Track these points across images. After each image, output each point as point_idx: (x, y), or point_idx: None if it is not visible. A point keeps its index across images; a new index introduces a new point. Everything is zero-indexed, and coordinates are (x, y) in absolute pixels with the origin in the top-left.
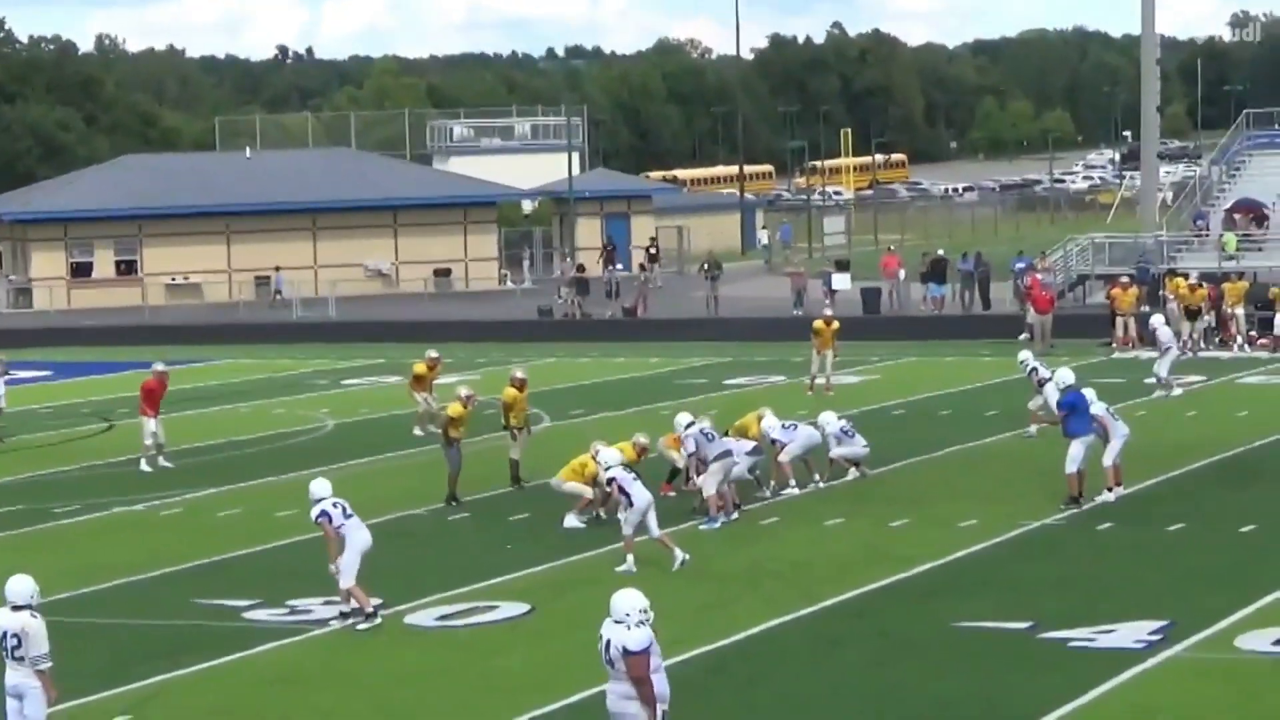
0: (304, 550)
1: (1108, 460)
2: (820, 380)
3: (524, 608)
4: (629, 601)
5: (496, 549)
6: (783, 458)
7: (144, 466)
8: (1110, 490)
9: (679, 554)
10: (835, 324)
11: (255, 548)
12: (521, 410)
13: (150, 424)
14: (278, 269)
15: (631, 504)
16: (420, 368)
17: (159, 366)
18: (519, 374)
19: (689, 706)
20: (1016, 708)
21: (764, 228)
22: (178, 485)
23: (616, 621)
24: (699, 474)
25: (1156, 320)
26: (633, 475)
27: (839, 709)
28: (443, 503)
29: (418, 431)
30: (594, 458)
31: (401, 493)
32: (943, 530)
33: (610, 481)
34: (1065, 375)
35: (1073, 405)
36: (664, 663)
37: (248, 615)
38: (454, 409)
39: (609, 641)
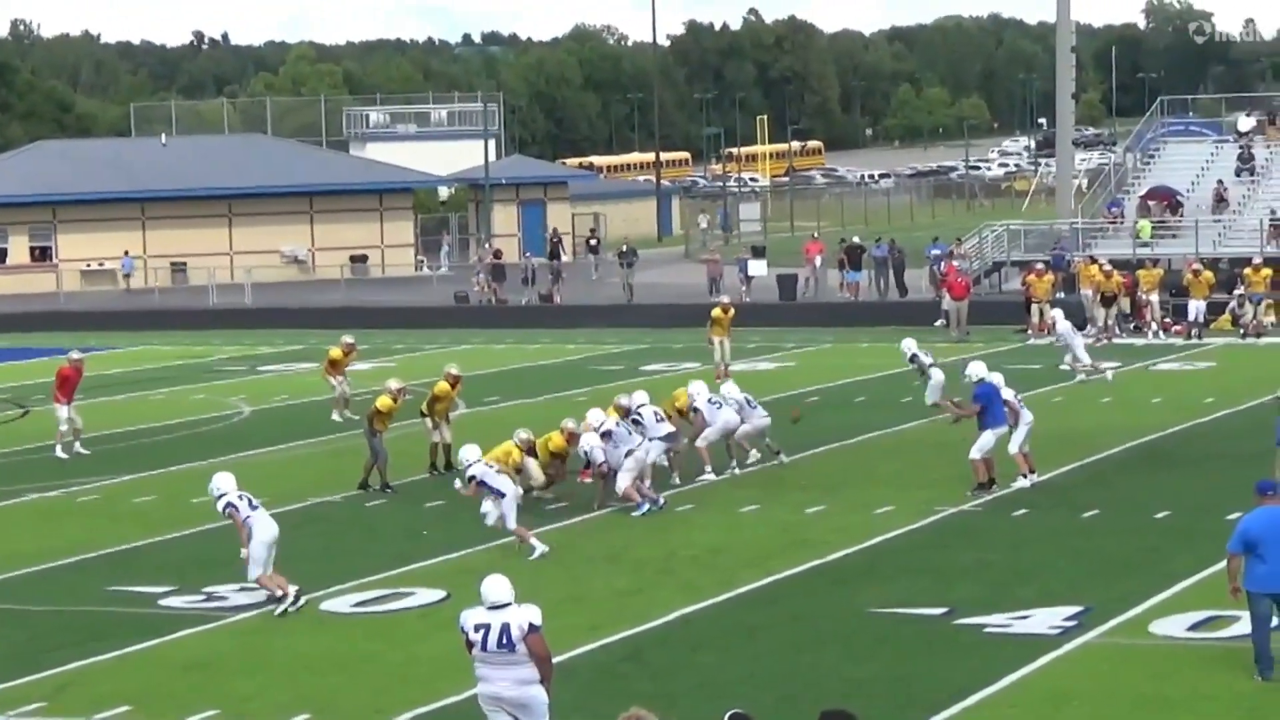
0: (220, 537)
1: (1014, 448)
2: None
3: (440, 594)
4: (503, 584)
5: (413, 535)
6: (700, 442)
7: (59, 453)
8: (1025, 477)
9: (538, 547)
10: (731, 311)
11: (171, 534)
12: (446, 406)
13: (64, 411)
14: (126, 253)
15: (502, 495)
16: (336, 353)
17: (75, 354)
18: (454, 370)
19: (607, 693)
20: (932, 693)
21: (703, 213)
22: (94, 472)
23: (496, 606)
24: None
25: (1055, 313)
26: (495, 468)
27: (756, 694)
28: (356, 488)
29: (336, 417)
30: (564, 434)
31: (318, 479)
32: (859, 516)
33: (471, 480)
34: (977, 368)
35: (987, 397)
36: (579, 650)
37: (163, 602)
38: (383, 402)
39: (505, 626)
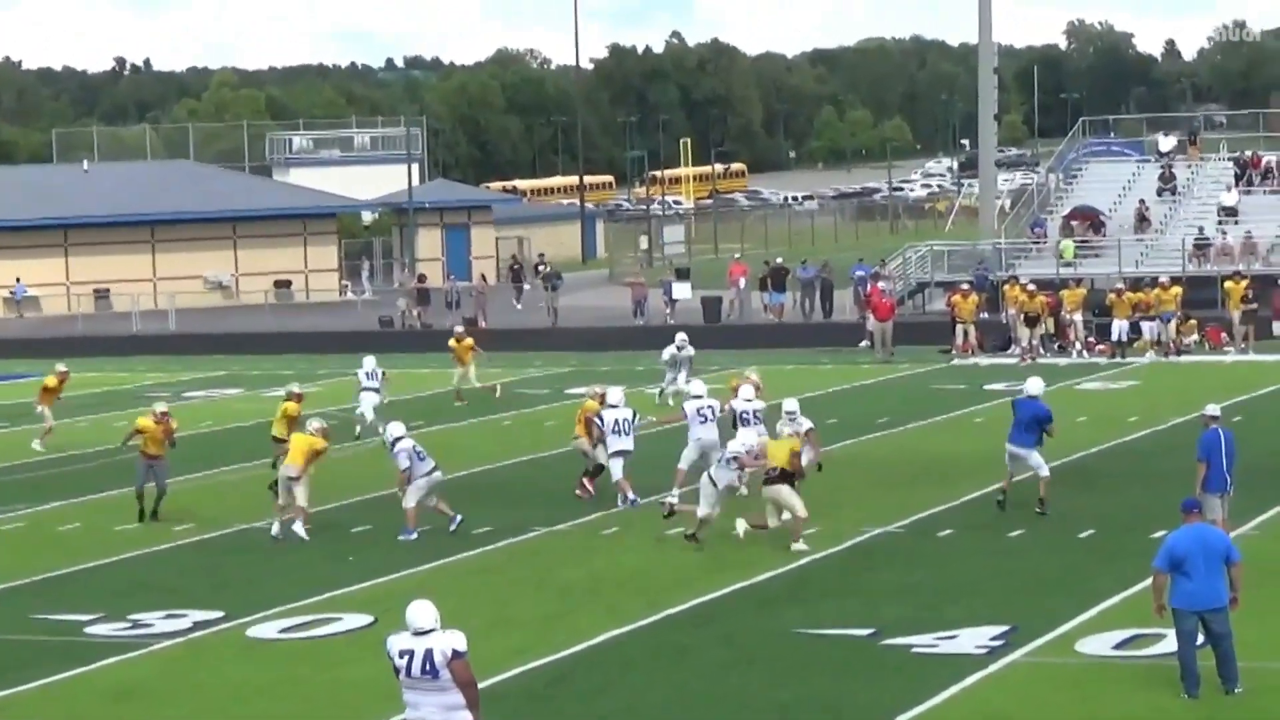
0: (146, 564)
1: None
2: (467, 388)
3: (367, 619)
4: (427, 610)
5: (338, 560)
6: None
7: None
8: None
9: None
10: (468, 340)
11: (96, 561)
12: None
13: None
14: (18, 280)
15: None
16: (51, 380)
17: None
18: (296, 389)
19: (535, 718)
20: (860, 714)
21: (643, 234)
22: (18, 500)
23: (420, 632)
24: (403, 490)
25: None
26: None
27: (684, 717)
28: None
29: (37, 445)
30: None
31: (243, 505)
32: (785, 538)
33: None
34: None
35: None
36: (507, 674)
37: (89, 630)
38: (143, 421)
39: (428, 652)
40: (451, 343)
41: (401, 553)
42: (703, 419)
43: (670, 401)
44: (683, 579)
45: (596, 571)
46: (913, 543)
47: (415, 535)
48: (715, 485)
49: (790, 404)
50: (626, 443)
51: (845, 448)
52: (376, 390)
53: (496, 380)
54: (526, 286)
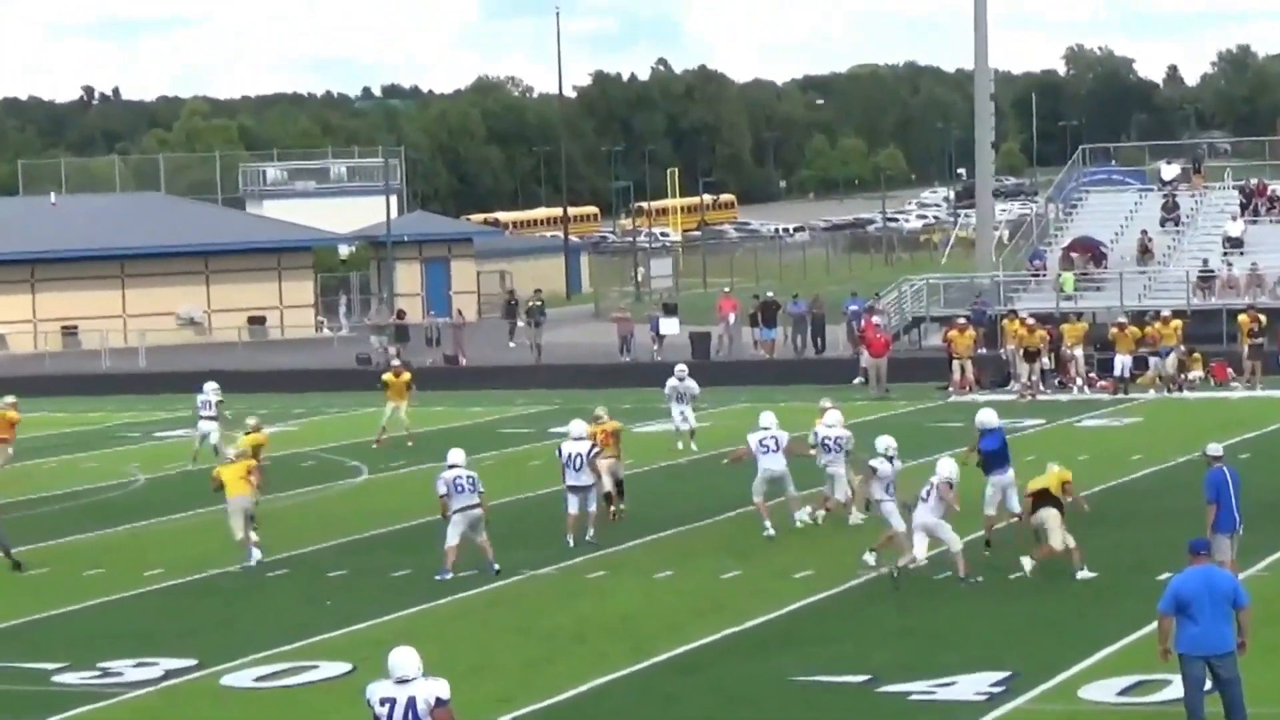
0: (115, 610)
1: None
2: (399, 434)
3: (345, 666)
4: (410, 657)
5: (315, 605)
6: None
7: None
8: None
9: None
10: (405, 374)
11: (65, 608)
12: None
13: None
14: None
15: None
16: (14, 415)
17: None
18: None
19: None
20: None
21: (640, 267)
22: None
23: (403, 680)
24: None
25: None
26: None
27: None
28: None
29: None
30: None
31: (216, 548)
32: (777, 581)
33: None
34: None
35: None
36: None
37: (57, 679)
38: None
39: (411, 700)
40: (387, 377)
41: (381, 597)
42: (765, 449)
43: (679, 445)
44: (671, 624)
45: (582, 616)
46: (909, 585)
47: (449, 575)
48: (909, 510)
49: (885, 442)
50: (582, 478)
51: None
52: (215, 419)
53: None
54: (520, 323)
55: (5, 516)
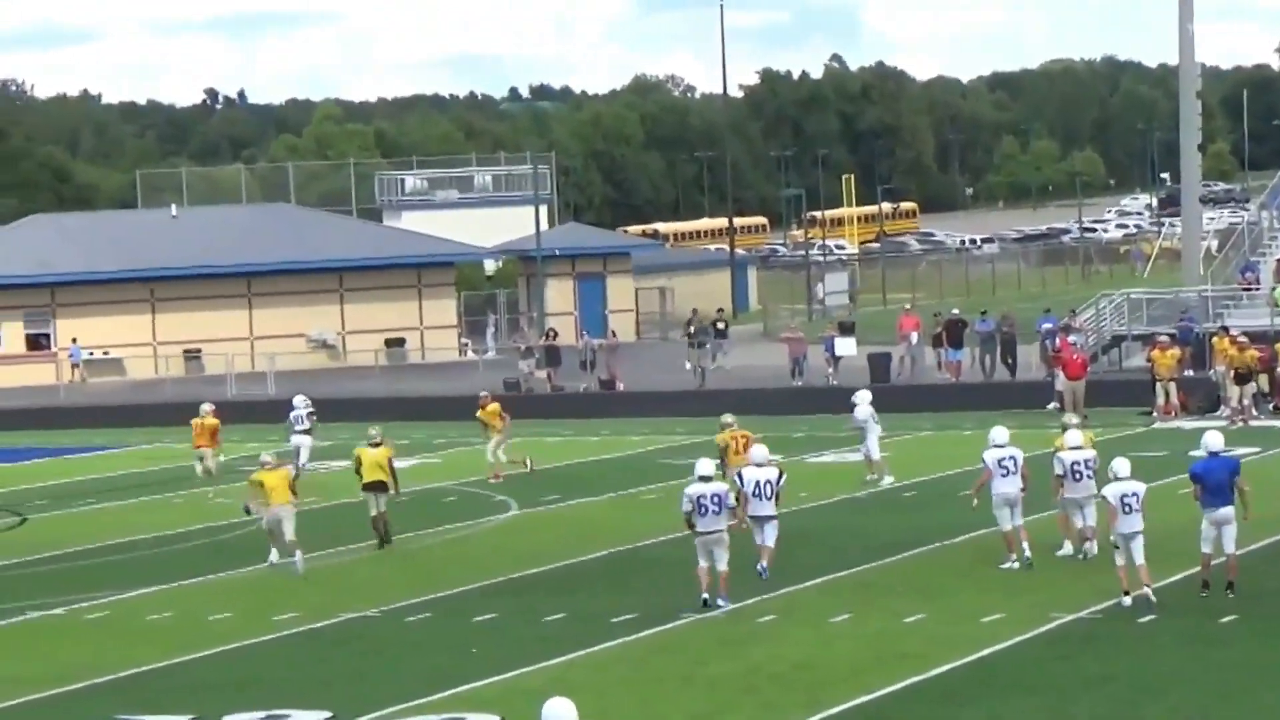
0: (244, 657)
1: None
2: (518, 468)
3: (493, 719)
4: (567, 708)
5: (460, 653)
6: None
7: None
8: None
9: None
10: (493, 404)
11: (188, 655)
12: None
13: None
14: (74, 340)
15: None
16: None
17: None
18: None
19: None
20: None
21: (820, 282)
22: (102, 586)
23: None
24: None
25: (858, 396)
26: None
27: None
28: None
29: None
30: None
31: (353, 591)
32: (964, 625)
33: None
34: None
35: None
36: None
37: None
38: None
39: None
40: (480, 413)
41: (531, 644)
42: (1005, 471)
43: (872, 476)
44: (849, 673)
45: (752, 664)
46: (1110, 630)
47: (705, 597)
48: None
49: (1120, 466)
50: (767, 507)
51: (1031, 523)
52: (308, 432)
53: (525, 455)
54: (700, 345)
55: (125, 557)
